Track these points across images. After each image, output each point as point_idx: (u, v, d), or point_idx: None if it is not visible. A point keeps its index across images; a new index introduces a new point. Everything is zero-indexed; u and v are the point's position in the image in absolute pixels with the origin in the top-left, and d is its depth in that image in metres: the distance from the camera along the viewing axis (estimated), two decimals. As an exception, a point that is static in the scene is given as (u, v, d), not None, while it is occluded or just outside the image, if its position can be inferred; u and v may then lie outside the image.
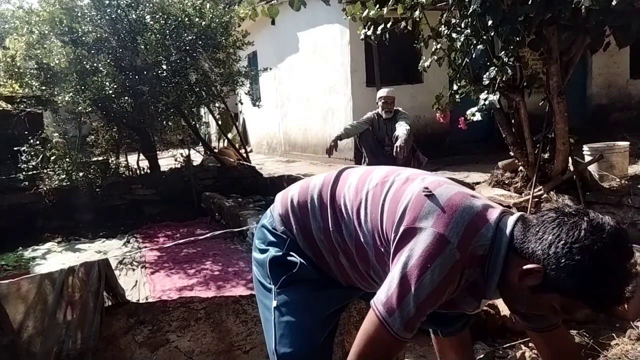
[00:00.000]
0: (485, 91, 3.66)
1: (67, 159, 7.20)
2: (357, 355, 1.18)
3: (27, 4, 8.15)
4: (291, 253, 1.37)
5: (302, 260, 1.36)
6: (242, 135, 11.37)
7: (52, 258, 5.54)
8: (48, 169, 7.09)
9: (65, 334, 2.03)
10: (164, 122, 7.85)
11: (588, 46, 3.67)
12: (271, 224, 1.44)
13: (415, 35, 4.30)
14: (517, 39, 3.35)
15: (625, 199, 3.52)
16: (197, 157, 8.86)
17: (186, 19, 6.96)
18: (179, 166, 8.18)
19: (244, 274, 4.44)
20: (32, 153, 7.16)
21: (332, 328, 1.45)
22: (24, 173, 7.00)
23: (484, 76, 3.59)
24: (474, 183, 4.94)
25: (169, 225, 6.78)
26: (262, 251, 1.43)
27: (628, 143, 4.27)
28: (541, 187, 3.93)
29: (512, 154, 4.29)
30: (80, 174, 7.04)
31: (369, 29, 4.32)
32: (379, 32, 4.21)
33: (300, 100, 10.14)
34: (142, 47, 6.64)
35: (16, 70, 7.15)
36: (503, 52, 3.48)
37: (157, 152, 8.31)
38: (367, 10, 4.11)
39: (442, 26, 4.07)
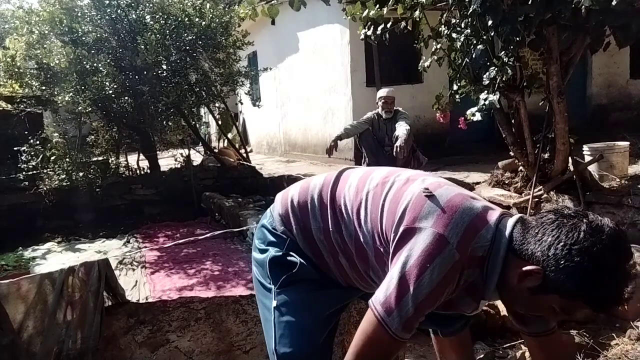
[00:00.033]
0: (485, 91, 3.66)
1: (67, 159, 7.20)
2: (355, 356, 1.18)
3: (27, 4, 8.16)
4: (291, 253, 1.37)
5: (301, 260, 1.36)
6: (242, 135, 11.37)
7: (52, 258, 5.54)
8: (48, 169, 7.09)
9: (65, 334, 2.03)
10: (164, 122, 7.85)
11: (588, 46, 3.67)
12: (271, 223, 1.44)
13: (415, 35, 4.30)
14: (517, 39, 3.35)
15: (625, 199, 3.51)
16: (197, 157, 8.86)
17: (186, 19, 6.97)
18: (179, 166, 8.18)
19: (244, 274, 4.44)
20: (32, 153, 7.16)
21: (332, 328, 1.45)
22: (24, 173, 7.00)
23: (484, 76, 3.59)
24: (474, 183, 4.94)
25: (169, 225, 6.78)
26: (262, 251, 1.43)
27: (628, 143, 4.27)
28: (541, 187, 3.93)
29: (512, 154, 4.29)
30: (80, 174, 7.04)
31: (369, 29, 4.32)
32: (379, 32, 4.21)
33: (300, 100, 10.14)
34: (142, 47, 6.64)
35: (16, 70, 7.16)
36: (503, 52, 3.48)
37: (157, 152, 8.31)
38: (367, 10, 4.11)
39: (442, 26, 4.07)
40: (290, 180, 5.77)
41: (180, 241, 4.90)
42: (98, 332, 2.10)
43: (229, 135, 10.23)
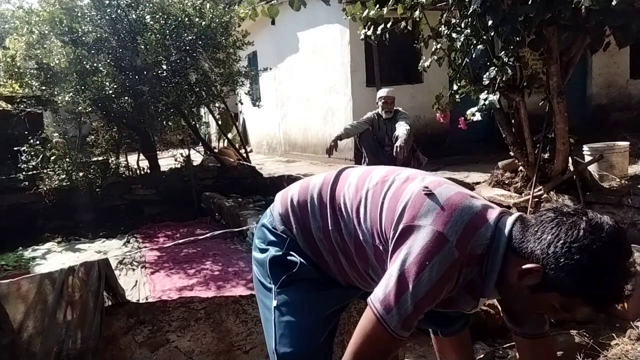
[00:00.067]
0: (485, 91, 3.66)
1: (67, 159, 7.20)
2: (354, 354, 1.18)
3: (27, 4, 8.16)
4: (291, 252, 1.37)
5: (301, 260, 1.36)
6: (242, 135, 11.37)
7: (52, 258, 5.54)
8: (48, 169, 7.09)
9: (65, 333, 2.03)
10: (164, 122, 7.85)
11: (588, 46, 3.67)
12: (271, 223, 1.44)
13: (415, 35, 4.30)
14: (517, 39, 3.35)
15: (625, 199, 3.51)
16: (197, 157, 8.86)
17: (186, 19, 6.96)
18: (179, 166, 8.18)
19: (244, 274, 4.44)
20: (32, 153, 7.16)
21: (333, 328, 1.45)
22: (24, 173, 7.00)
23: (484, 76, 3.59)
24: (474, 183, 4.94)
25: (169, 225, 6.78)
26: (262, 250, 1.43)
27: (628, 143, 4.27)
28: (541, 187, 3.93)
29: (512, 154, 4.29)
30: (80, 174, 7.04)
31: (369, 29, 4.32)
32: (379, 32, 4.21)
33: (300, 100, 10.14)
34: (142, 47, 6.64)
35: (16, 70, 7.15)
36: (503, 52, 3.48)
37: (157, 152, 8.31)
38: (367, 10, 4.11)
39: (442, 26, 4.07)
40: (290, 180, 5.77)
41: (180, 241, 4.90)
42: (98, 332, 2.09)
43: (229, 135, 10.23)
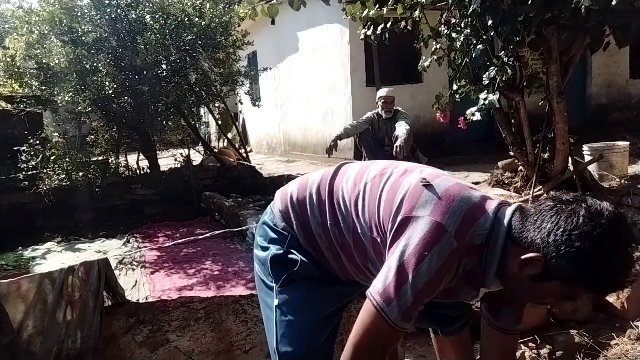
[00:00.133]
0: (485, 91, 3.66)
1: (67, 159, 7.20)
2: (354, 346, 1.18)
3: (27, 4, 8.16)
4: (292, 251, 1.37)
5: (302, 258, 1.35)
6: (242, 135, 11.37)
7: (52, 258, 5.53)
8: (48, 169, 7.09)
9: (65, 333, 2.03)
10: (164, 122, 7.85)
11: (588, 46, 3.67)
12: (272, 220, 1.44)
13: (415, 35, 4.30)
14: (517, 39, 3.35)
15: (625, 199, 3.52)
16: (197, 157, 8.86)
17: (186, 19, 6.96)
18: (179, 166, 8.18)
19: (244, 274, 4.44)
20: (32, 153, 7.16)
21: (334, 327, 1.44)
22: (24, 173, 7.00)
23: (484, 76, 3.60)
24: (474, 183, 4.94)
25: (169, 225, 6.78)
26: (264, 249, 1.43)
27: (628, 143, 4.27)
28: (541, 187, 3.93)
29: (512, 154, 4.29)
30: (80, 174, 7.04)
31: (369, 29, 4.32)
32: (379, 32, 4.21)
33: (300, 100, 10.14)
34: (142, 47, 6.64)
35: (16, 70, 7.15)
36: (503, 52, 3.48)
37: (157, 152, 8.31)
38: (367, 10, 4.11)
39: (442, 26, 4.08)
40: (290, 180, 5.73)
41: (180, 241, 4.90)
42: (98, 332, 2.09)
43: (229, 135, 10.23)
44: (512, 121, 4.09)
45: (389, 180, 1.26)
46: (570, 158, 3.85)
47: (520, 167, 4.30)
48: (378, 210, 1.23)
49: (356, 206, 1.29)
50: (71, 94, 6.64)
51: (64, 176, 6.98)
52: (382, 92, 5.27)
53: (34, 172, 7.02)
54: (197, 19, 7.02)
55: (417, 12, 3.96)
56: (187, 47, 7.05)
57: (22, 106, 7.44)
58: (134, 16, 7.02)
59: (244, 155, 9.35)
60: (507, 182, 4.49)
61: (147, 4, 7.25)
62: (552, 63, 3.58)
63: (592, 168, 4.00)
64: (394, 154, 4.61)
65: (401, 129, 4.76)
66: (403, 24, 4.18)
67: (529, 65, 4.33)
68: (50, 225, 6.86)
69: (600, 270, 1.03)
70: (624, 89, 9.16)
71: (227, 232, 5.19)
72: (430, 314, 1.50)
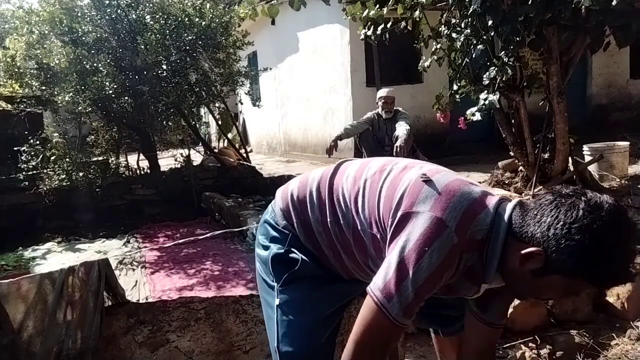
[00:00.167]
0: (485, 91, 3.67)
1: (67, 159, 7.20)
2: (355, 343, 1.17)
3: (27, 4, 8.16)
4: (292, 250, 1.37)
5: (303, 257, 1.35)
6: (242, 135, 11.37)
7: (52, 258, 5.53)
8: (48, 169, 7.08)
9: (65, 333, 2.03)
10: (164, 122, 7.85)
11: (588, 46, 3.67)
12: (273, 218, 1.44)
13: (415, 35, 4.31)
14: (517, 39, 3.36)
15: (625, 199, 3.52)
16: (197, 157, 8.85)
17: (186, 19, 6.96)
18: (179, 166, 8.17)
19: (244, 274, 4.44)
20: (32, 153, 7.15)
21: (335, 327, 1.44)
22: (24, 173, 6.99)
23: (484, 76, 3.60)
24: (474, 183, 4.94)
25: (169, 225, 6.77)
26: (265, 248, 1.43)
27: (628, 143, 4.28)
28: (541, 187, 3.93)
29: (512, 154, 4.29)
30: (80, 174, 7.04)
31: (369, 29, 4.32)
32: (379, 32, 4.21)
33: (300, 100, 10.14)
34: (142, 47, 6.64)
35: (16, 70, 7.15)
36: (503, 52, 3.48)
37: (157, 152, 8.30)
38: (367, 10, 4.11)
39: (442, 26, 4.08)
40: (290, 180, 5.76)
41: (180, 241, 4.89)
42: (98, 332, 2.09)
43: (229, 135, 10.23)
44: (512, 121, 4.10)
45: (389, 176, 1.26)
46: (570, 158, 3.85)
47: (520, 167, 4.30)
48: (378, 206, 1.23)
49: (356, 203, 1.29)
50: (71, 94, 6.64)
51: (64, 176, 6.97)
52: (382, 92, 5.27)
53: (34, 172, 7.01)
54: (197, 19, 7.02)
55: (417, 12, 3.97)
56: (187, 47, 7.05)
57: (22, 106, 7.44)
58: (134, 16, 7.02)
59: (244, 155, 9.35)
60: (507, 182, 4.49)
61: (147, 4, 7.25)
62: (552, 63, 3.59)
63: (592, 168, 4.00)
64: (394, 154, 4.61)
65: (401, 129, 4.76)
66: (403, 24, 4.19)
67: (529, 65, 4.34)
68: (50, 225, 6.85)
69: (601, 263, 1.03)
70: (624, 89, 9.16)
71: (227, 232, 5.19)
72: (431, 314, 1.50)
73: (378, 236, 1.23)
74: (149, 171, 8.09)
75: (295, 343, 1.35)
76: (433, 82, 7.02)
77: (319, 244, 1.37)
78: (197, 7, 7.16)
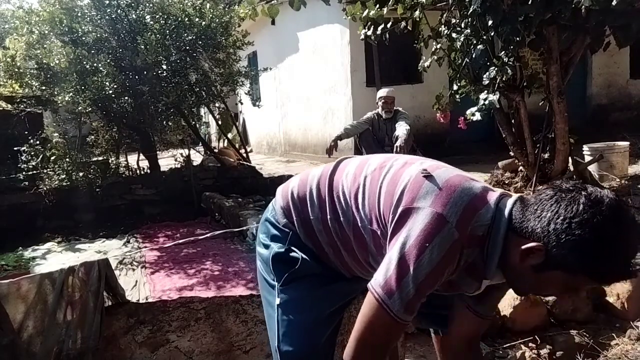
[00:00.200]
0: (485, 91, 3.67)
1: (67, 159, 7.20)
2: (357, 339, 1.17)
3: (27, 4, 8.15)
4: (293, 248, 1.37)
5: (303, 256, 1.35)
6: (242, 135, 11.37)
7: (52, 258, 5.53)
8: (48, 169, 7.08)
9: (65, 333, 2.03)
10: (164, 122, 7.85)
11: (588, 46, 3.67)
12: (274, 216, 1.44)
13: (415, 35, 4.31)
14: (517, 39, 3.36)
15: (625, 199, 3.52)
16: (197, 157, 8.85)
17: (186, 19, 6.96)
18: (179, 166, 8.17)
19: (244, 274, 4.44)
20: (32, 153, 7.15)
21: (336, 326, 1.44)
22: (24, 173, 7.00)
23: (484, 76, 3.60)
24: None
25: (169, 225, 6.77)
26: (266, 246, 1.42)
27: (628, 143, 4.28)
28: (541, 187, 3.93)
29: (512, 154, 4.29)
30: (80, 174, 7.04)
31: (369, 29, 4.32)
32: (379, 32, 4.22)
33: (300, 100, 10.15)
34: (142, 47, 6.64)
35: (16, 70, 7.15)
36: (503, 52, 3.48)
37: (157, 152, 8.30)
38: (367, 10, 4.12)
39: (442, 26, 4.08)
40: (290, 180, 5.76)
41: (180, 241, 4.89)
42: (98, 332, 2.09)
43: (229, 135, 10.23)
44: (512, 121, 4.10)
45: (389, 172, 1.26)
46: (570, 158, 3.85)
47: (520, 167, 4.30)
48: (378, 202, 1.23)
49: (356, 199, 1.28)
50: (71, 94, 6.64)
51: (64, 176, 6.97)
52: (382, 92, 5.27)
53: (34, 172, 7.01)
54: (197, 19, 7.02)
55: (417, 12, 3.97)
56: (187, 47, 7.05)
57: (22, 106, 7.44)
58: (134, 16, 7.02)
59: (244, 155, 9.35)
60: (507, 182, 4.49)
61: (147, 4, 7.25)
62: (552, 63, 3.59)
63: (592, 168, 4.00)
64: (394, 153, 4.61)
65: (401, 129, 4.76)
66: (403, 24, 4.19)
67: (529, 65, 4.34)
68: (50, 225, 6.85)
69: (602, 258, 1.02)
70: (624, 89, 9.16)
71: (227, 232, 5.19)
72: (431, 314, 1.50)
73: (378, 232, 1.23)
74: (149, 171, 8.09)
75: (296, 342, 1.35)
76: (433, 82, 7.02)
77: (319, 242, 1.36)
78: (197, 7, 7.16)
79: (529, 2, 3.09)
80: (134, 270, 4.84)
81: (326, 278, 1.38)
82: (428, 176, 1.17)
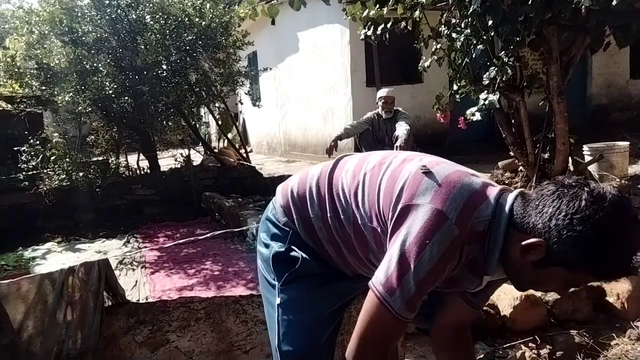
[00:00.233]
0: (485, 91, 3.67)
1: (67, 159, 7.20)
2: (359, 337, 1.17)
3: (27, 4, 8.16)
4: (293, 247, 1.37)
5: (303, 255, 1.35)
6: (242, 135, 11.37)
7: (52, 258, 5.53)
8: (48, 169, 7.09)
9: (65, 334, 2.03)
10: (164, 122, 7.85)
11: (588, 46, 3.67)
12: (274, 215, 1.43)
13: (415, 35, 4.31)
14: (517, 39, 3.36)
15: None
16: (197, 157, 8.86)
17: (186, 19, 6.97)
18: (179, 166, 8.18)
19: (244, 274, 4.44)
20: (32, 153, 7.15)
21: (336, 326, 1.44)
22: (24, 173, 7.00)
23: (484, 76, 3.60)
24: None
25: (169, 225, 6.77)
26: (266, 246, 1.42)
27: (628, 143, 4.28)
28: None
29: (512, 154, 4.29)
30: (80, 174, 7.04)
31: (369, 29, 4.32)
32: (379, 32, 4.21)
33: (300, 100, 10.15)
34: (142, 47, 6.64)
35: (16, 70, 7.15)
36: (503, 52, 3.48)
37: (157, 152, 8.31)
38: (367, 10, 4.11)
39: (442, 26, 4.08)
40: (290, 180, 5.76)
41: (180, 241, 4.89)
42: (98, 332, 2.09)
43: (229, 135, 10.23)
44: (512, 121, 4.10)
45: (388, 169, 1.25)
46: (570, 158, 3.85)
47: (520, 167, 4.30)
48: (378, 199, 1.22)
49: (356, 197, 1.28)
50: (71, 94, 6.64)
51: (64, 176, 6.97)
52: (382, 92, 5.27)
53: (34, 172, 7.02)
54: (197, 19, 7.02)
55: (417, 12, 3.97)
56: (187, 47, 7.05)
57: (22, 106, 7.44)
58: (134, 16, 7.02)
59: (244, 155, 9.35)
60: (507, 182, 4.49)
61: (147, 4, 7.25)
62: (552, 63, 3.59)
63: (592, 168, 4.00)
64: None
65: (401, 129, 4.77)
66: (403, 24, 4.19)
67: (529, 65, 4.34)
68: (50, 225, 6.86)
69: (603, 254, 1.01)
70: (624, 89, 9.16)
71: (227, 232, 5.19)
72: (431, 313, 1.50)
73: (379, 230, 1.23)
74: (149, 171, 8.10)
75: (296, 342, 1.35)
76: (433, 82, 7.02)
77: (320, 240, 1.36)
78: (197, 7, 7.17)
79: (529, 2, 3.09)
80: (134, 270, 4.84)
81: (327, 277, 1.38)
82: (427, 172, 1.16)
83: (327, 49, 8.71)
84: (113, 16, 6.89)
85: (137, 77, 6.98)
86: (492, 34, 3.51)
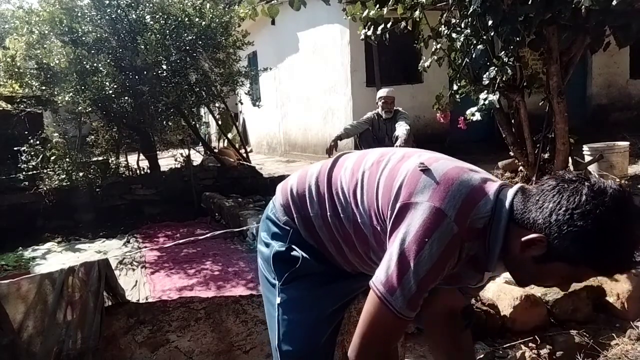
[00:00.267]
0: (485, 91, 3.67)
1: (67, 159, 7.20)
2: (361, 337, 1.17)
3: (27, 4, 8.16)
4: (293, 247, 1.36)
5: (304, 254, 1.35)
6: (242, 135, 11.37)
7: (52, 258, 5.54)
8: (48, 169, 7.09)
9: (65, 334, 2.03)
10: (164, 122, 7.85)
11: (588, 46, 3.67)
12: (274, 214, 1.43)
13: (415, 35, 4.31)
14: (517, 39, 3.36)
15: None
16: (197, 157, 8.86)
17: (186, 19, 6.97)
18: (179, 166, 8.18)
19: (244, 274, 4.44)
20: (32, 153, 7.16)
21: (336, 326, 1.44)
22: (24, 173, 7.00)
23: (484, 76, 3.60)
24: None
25: (169, 225, 6.78)
26: (267, 245, 1.42)
27: (628, 143, 4.28)
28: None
29: (512, 154, 4.29)
30: (80, 174, 7.04)
31: (369, 29, 4.32)
32: (379, 32, 4.21)
33: (300, 100, 10.15)
34: (142, 47, 6.64)
35: (16, 70, 7.15)
36: (503, 52, 3.48)
37: (157, 152, 8.31)
38: (367, 10, 4.11)
39: (442, 26, 4.08)
40: (290, 180, 5.76)
41: (180, 241, 4.89)
42: (98, 332, 2.09)
43: (229, 135, 10.24)
44: (512, 121, 4.10)
45: (386, 167, 1.25)
46: (570, 158, 3.85)
47: (520, 167, 4.30)
48: (376, 198, 1.22)
49: (355, 195, 1.28)
50: (71, 94, 6.64)
51: (64, 176, 6.98)
52: (382, 92, 5.27)
53: (34, 172, 7.02)
54: (197, 19, 7.03)
55: (417, 12, 3.97)
56: (187, 47, 7.05)
57: (22, 106, 7.44)
58: (134, 16, 7.02)
59: (244, 155, 9.35)
60: (507, 182, 4.49)
61: (147, 4, 7.25)
62: (552, 63, 3.59)
63: (592, 168, 4.00)
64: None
65: (401, 129, 4.77)
66: (403, 24, 4.19)
67: (529, 65, 4.34)
68: (50, 225, 6.86)
69: (604, 249, 1.00)
70: (624, 89, 9.16)
71: (227, 232, 5.19)
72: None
73: (378, 228, 1.22)
74: (149, 171, 8.10)
75: (296, 342, 1.35)
76: (433, 82, 7.02)
77: (320, 239, 1.36)
78: (197, 7, 7.17)
79: (529, 2, 3.09)
80: (134, 270, 4.84)
81: (327, 277, 1.38)
82: (425, 170, 1.16)
83: (327, 49, 8.71)
84: (113, 16, 6.89)
85: (137, 77, 6.98)
86: (492, 34, 3.51)
